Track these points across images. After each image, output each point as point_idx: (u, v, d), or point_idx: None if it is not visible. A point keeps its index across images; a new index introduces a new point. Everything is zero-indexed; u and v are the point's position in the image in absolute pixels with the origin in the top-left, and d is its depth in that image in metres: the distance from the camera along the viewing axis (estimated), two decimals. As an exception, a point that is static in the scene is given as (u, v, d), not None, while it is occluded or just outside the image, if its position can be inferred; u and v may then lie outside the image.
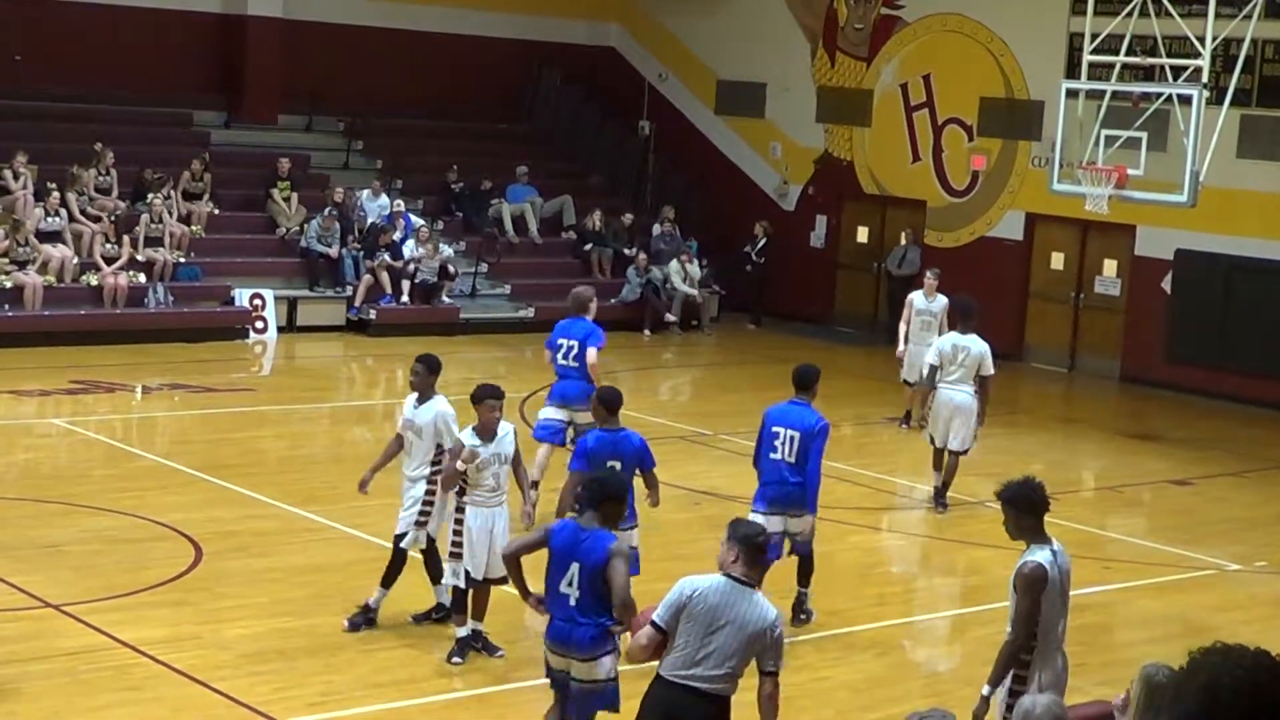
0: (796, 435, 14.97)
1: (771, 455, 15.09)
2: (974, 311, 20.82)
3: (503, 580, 14.26)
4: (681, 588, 9.74)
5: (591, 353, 18.38)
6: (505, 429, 14.07)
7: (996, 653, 10.67)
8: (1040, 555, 10.52)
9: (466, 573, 13.95)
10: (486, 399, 13.91)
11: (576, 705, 11.05)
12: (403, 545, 14.64)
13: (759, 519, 14.22)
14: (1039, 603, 10.45)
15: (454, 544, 14.02)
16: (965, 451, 20.32)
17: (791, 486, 15.01)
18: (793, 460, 14.95)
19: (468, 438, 13.92)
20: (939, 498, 20.41)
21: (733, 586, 9.67)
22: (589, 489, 11.29)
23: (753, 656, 9.64)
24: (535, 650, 14.38)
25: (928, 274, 25.05)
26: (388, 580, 14.66)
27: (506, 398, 14.22)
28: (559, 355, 18.67)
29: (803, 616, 15.60)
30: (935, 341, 21.10)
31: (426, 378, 14.69)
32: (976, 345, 20.22)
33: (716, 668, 9.57)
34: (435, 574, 14.73)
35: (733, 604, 9.60)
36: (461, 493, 13.98)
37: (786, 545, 15.23)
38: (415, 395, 14.71)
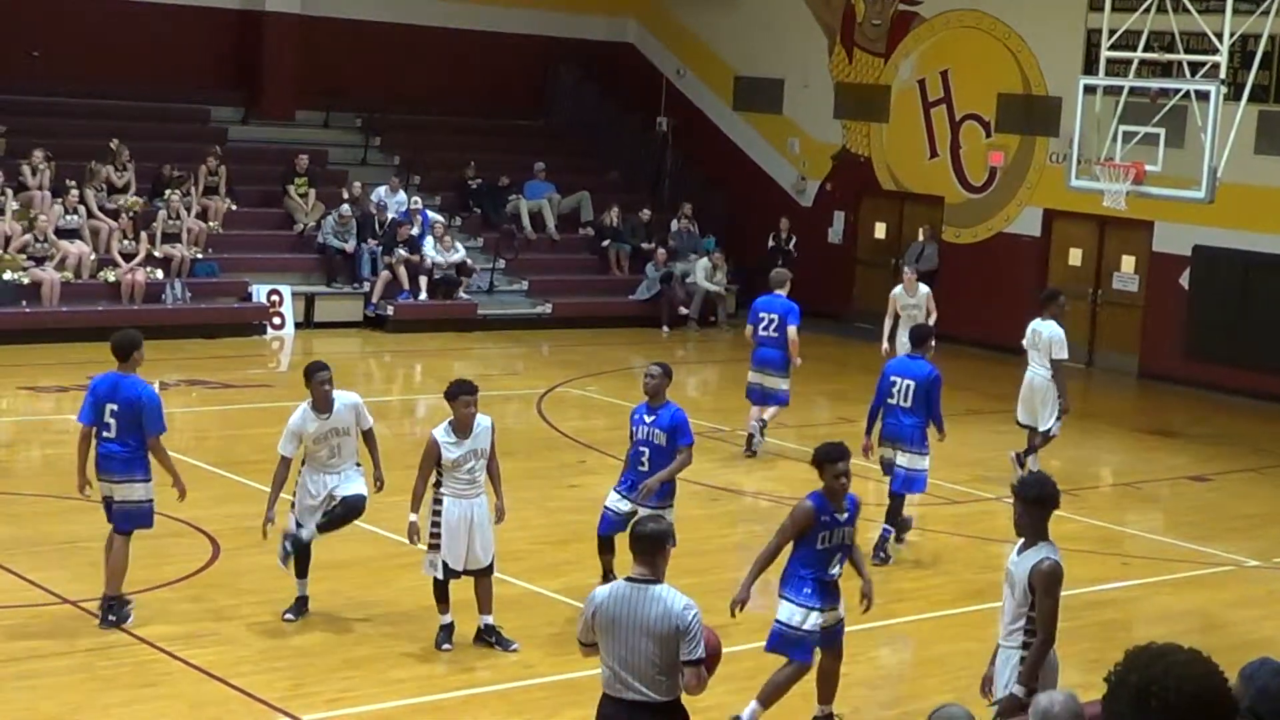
0: (912, 384, 17.64)
1: (889, 400, 17.74)
2: (1055, 298, 21.92)
3: (486, 571, 14.27)
4: (586, 602, 9.61)
5: (791, 330, 22.00)
6: (482, 423, 14.03)
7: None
8: (1054, 553, 10.54)
9: (444, 564, 13.98)
10: (460, 395, 13.90)
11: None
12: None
13: (886, 451, 17.79)
14: (1059, 599, 10.48)
15: (432, 535, 14.03)
16: (1047, 431, 21.45)
17: (905, 426, 17.63)
18: (907, 405, 17.61)
19: (443, 434, 13.91)
20: (1024, 455, 21.57)
21: (631, 589, 9.42)
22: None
23: (675, 650, 9.31)
24: (551, 646, 14.41)
25: (905, 269, 26.05)
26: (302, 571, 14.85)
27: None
28: (760, 327, 22.26)
29: (883, 555, 17.65)
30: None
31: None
32: (1048, 330, 21.25)
33: (643, 676, 9.32)
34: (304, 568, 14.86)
35: (632, 608, 9.33)
36: (438, 484, 13.98)
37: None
38: (312, 407, 14.49)
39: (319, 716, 12.66)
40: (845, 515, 12.40)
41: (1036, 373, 21.40)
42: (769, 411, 22.56)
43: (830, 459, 12.39)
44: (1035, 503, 10.63)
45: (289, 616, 14.64)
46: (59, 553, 16.41)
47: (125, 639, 13.94)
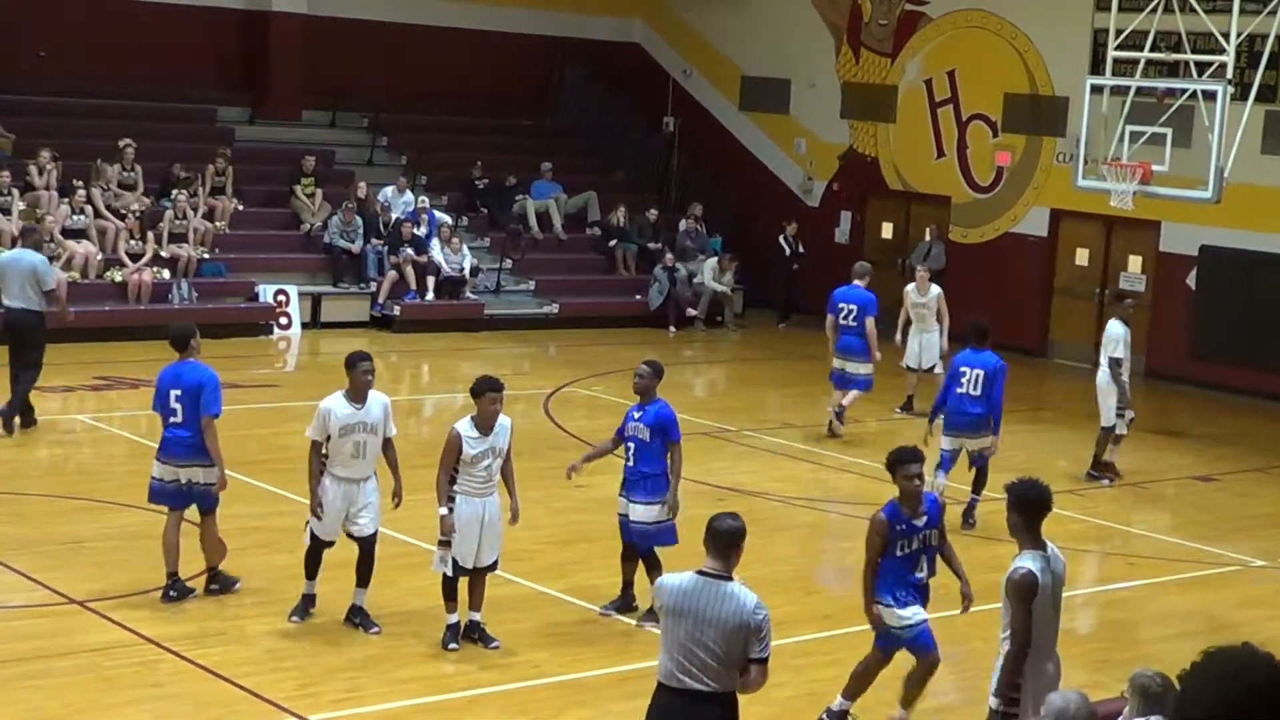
0: (980, 374, 18.88)
1: (957, 390, 19.03)
2: (1119, 299, 22.96)
3: (492, 568, 14.27)
4: (655, 590, 9.74)
5: (869, 322, 23.36)
6: (503, 423, 14.05)
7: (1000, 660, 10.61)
8: (1031, 562, 10.37)
9: (454, 561, 13.97)
10: (487, 392, 13.93)
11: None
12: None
13: (943, 440, 19.08)
14: (1032, 610, 10.32)
15: (448, 535, 14.01)
16: (1108, 428, 22.13)
17: (972, 415, 18.96)
18: (976, 393, 18.90)
19: (466, 429, 13.91)
20: (1093, 469, 22.50)
21: (702, 583, 9.48)
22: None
23: (741, 647, 9.38)
24: (557, 646, 14.41)
25: (919, 268, 26.44)
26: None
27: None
28: (840, 316, 23.56)
29: (970, 521, 19.17)
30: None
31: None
32: (1112, 329, 22.12)
33: (704, 668, 9.37)
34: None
35: (703, 601, 9.40)
36: (452, 481, 13.96)
37: (965, 460, 19.19)
38: (346, 395, 14.51)
39: (325, 716, 12.66)
40: (924, 519, 12.44)
41: (1102, 372, 22.09)
42: (849, 396, 23.69)
43: (902, 460, 12.46)
44: (1018, 503, 10.53)
45: (294, 619, 14.61)
46: (64, 553, 16.42)
47: (130, 639, 13.95)
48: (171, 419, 15.06)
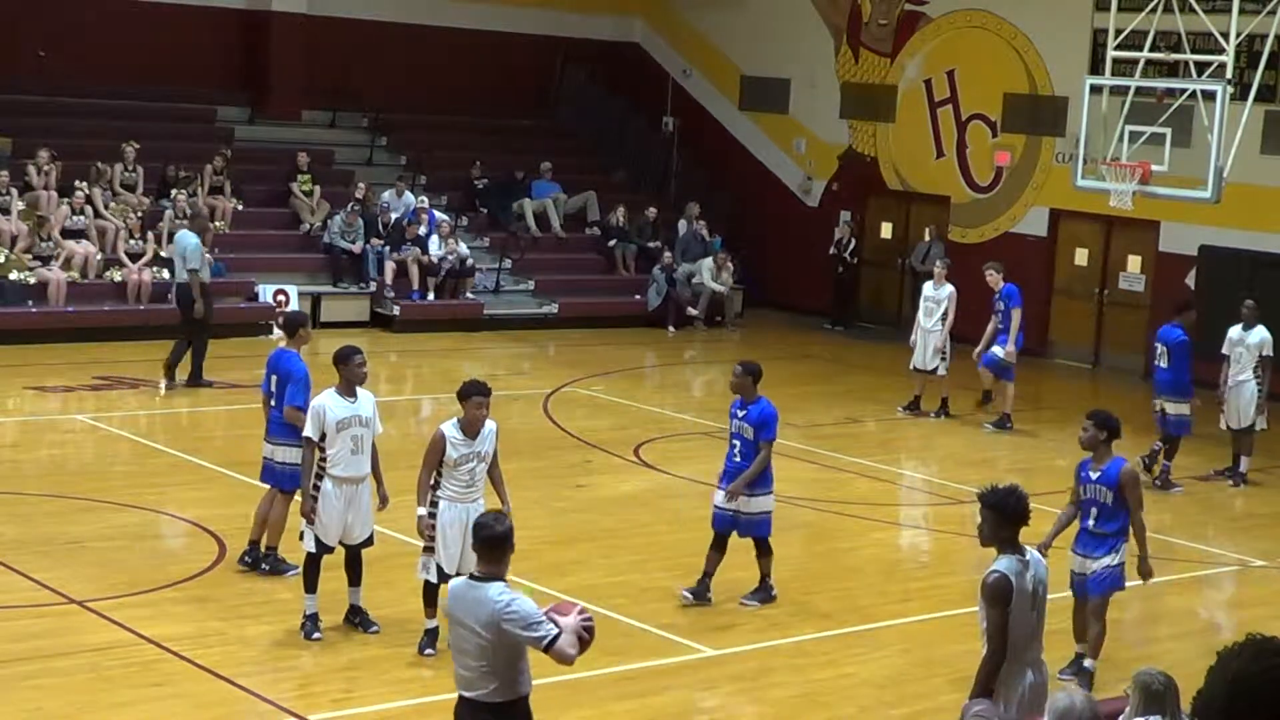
0: (1166, 349, 21.93)
1: (1155, 361, 22.24)
2: (1250, 309, 23.14)
3: None
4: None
5: (1015, 313, 24.87)
6: (490, 428, 13.93)
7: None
8: (1003, 565, 10.31)
9: (439, 567, 13.91)
10: (474, 396, 13.77)
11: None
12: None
13: (1156, 402, 22.33)
14: (1007, 614, 10.23)
15: (428, 538, 13.96)
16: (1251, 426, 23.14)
17: (1164, 381, 22.11)
18: (1165, 365, 21.99)
19: (452, 431, 13.85)
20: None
21: (466, 586, 9.37)
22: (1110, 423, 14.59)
23: (513, 649, 9.16)
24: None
25: (938, 262, 26.53)
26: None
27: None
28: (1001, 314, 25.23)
29: (1158, 483, 21.85)
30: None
31: None
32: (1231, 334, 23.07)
33: (472, 673, 9.24)
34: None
35: (461, 604, 9.27)
36: (435, 486, 13.91)
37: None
38: (338, 391, 14.46)
39: (324, 716, 12.67)
40: (1098, 474, 14.35)
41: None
42: (996, 383, 25.40)
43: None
44: (991, 509, 10.41)
45: (316, 637, 14.43)
46: (65, 553, 16.41)
47: (130, 639, 13.95)
48: (272, 401, 16.14)
